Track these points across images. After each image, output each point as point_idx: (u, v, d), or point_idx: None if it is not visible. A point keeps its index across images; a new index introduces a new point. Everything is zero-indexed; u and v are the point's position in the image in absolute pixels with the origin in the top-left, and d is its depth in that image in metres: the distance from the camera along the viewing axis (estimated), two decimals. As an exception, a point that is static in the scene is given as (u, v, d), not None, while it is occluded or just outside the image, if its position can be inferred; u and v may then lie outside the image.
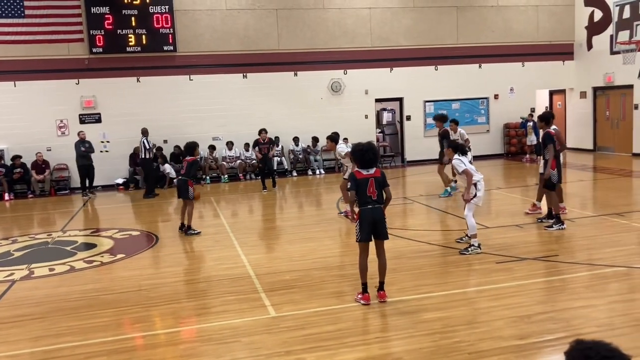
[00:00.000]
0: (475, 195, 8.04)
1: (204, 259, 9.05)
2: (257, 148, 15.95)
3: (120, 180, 17.39)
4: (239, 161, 18.23)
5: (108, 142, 17.58)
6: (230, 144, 18.27)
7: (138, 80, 17.64)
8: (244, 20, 18.26)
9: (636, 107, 18.60)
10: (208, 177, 17.88)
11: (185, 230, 10.47)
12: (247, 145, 18.41)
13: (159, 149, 17.28)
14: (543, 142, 9.57)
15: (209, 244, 9.78)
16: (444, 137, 12.90)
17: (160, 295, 7.04)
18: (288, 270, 7.78)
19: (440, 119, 13.25)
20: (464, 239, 8.55)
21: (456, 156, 8.18)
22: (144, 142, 15.52)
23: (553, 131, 9.64)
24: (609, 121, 20.11)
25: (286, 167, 18.79)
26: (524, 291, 6.46)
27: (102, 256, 9.24)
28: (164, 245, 9.87)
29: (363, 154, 6.23)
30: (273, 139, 16.86)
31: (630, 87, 18.66)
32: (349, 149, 8.73)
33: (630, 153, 18.85)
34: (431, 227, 10.08)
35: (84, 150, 15.98)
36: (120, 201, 15.76)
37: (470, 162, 8.48)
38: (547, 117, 9.80)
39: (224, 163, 18.08)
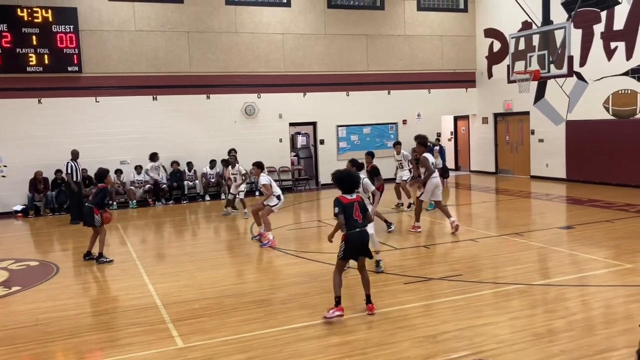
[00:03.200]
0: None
1: (108, 289, 8.64)
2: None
3: (18, 207, 16.34)
4: (148, 185, 17.66)
5: (5, 166, 16.52)
6: (139, 168, 17.69)
7: (40, 101, 16.76)
8: (154, 41, 17.90)
9: (532, 133, 19.87)
10: (115, 203, 17.16)
11: (97, 258, 9.98)
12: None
13: (84, 170, 16.32)
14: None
15: (114, 273, 9.35)
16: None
17: (59, 329, 6.63)
18: (197, 298, 7.57)
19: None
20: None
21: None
22: (69, 165, 14.70)
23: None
24: (508, 145, 21.35)
25: (198, 191, 18.43)
26: (430, 311, 6.65)
27: (-5, 289, 8.59)
28: (65, 275, 9.33)
29: (342, 180, 6.58)
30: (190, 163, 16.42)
31: (527, 113, 19.93)
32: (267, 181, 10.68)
33: (528, 175, 20.07)
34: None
35: None
36: (18, 229, 14.77)
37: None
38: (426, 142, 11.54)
39: (132, 188, 17.46)
